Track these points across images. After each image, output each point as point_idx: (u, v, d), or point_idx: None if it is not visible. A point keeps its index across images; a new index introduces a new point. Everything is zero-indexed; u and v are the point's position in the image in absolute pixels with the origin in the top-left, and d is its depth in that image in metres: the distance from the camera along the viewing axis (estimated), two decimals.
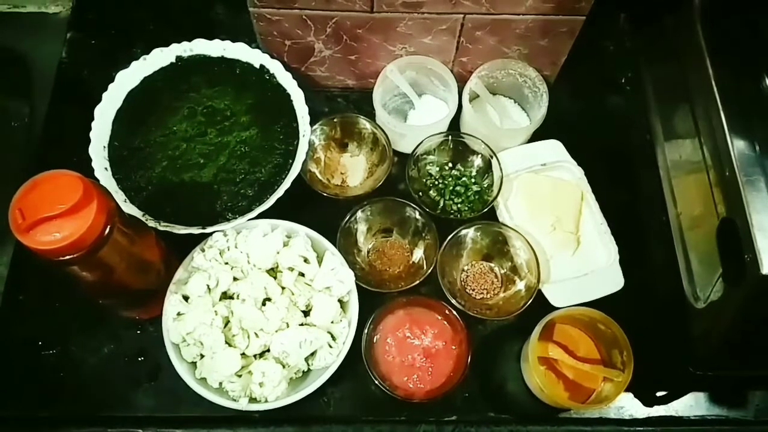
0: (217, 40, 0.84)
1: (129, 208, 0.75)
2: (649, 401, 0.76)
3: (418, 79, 0.86)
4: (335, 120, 0.83)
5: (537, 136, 0.84)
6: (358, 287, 0.73)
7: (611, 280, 0.77)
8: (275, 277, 0.72)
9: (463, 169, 0.84)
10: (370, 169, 0.84)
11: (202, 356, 0.69)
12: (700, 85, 0.72)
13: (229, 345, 0.68)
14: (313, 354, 0.70)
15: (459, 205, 0.82)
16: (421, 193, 0.81)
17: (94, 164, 0.76)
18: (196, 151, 0.78)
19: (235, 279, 0.71)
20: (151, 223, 0.73)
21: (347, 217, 0.77)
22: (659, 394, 0.76)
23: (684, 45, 0.76)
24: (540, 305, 0.75)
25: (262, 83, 0.83)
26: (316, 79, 0.89)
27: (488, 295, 0.79)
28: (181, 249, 0.73)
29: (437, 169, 0.84)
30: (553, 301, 0.76)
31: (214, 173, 0.77)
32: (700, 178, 0.73)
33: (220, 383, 0.68)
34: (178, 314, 0.69)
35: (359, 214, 0.78)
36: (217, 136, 0.79)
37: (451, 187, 0.82)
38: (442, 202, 0.82)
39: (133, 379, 0.74)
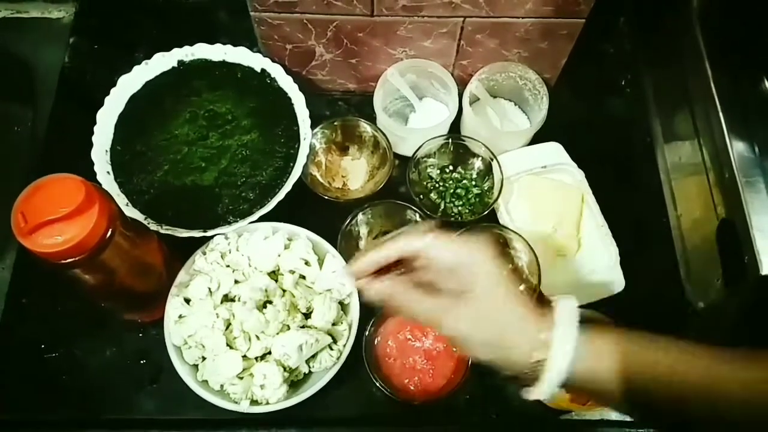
0: (218, 45, 0.84)
1: (131, 212, 0.75)
2: None
3: (418, 82, 0.86)
4: (336, 123, 0.84)
5: (537, 138, 0.84)
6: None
7: (612, 281, 0.77)
8: (276, 280, 0.72)
9: (463, 172, 0.84)
10: (371, 172, 0.85)
11: (203, 359, 0.69)
12: (700, 87, 0.72)
13: (231, 347, 0.68)
14: (314, 356, 0.70)
15: (460, 208, 0.82)
16: (421, 196, 0.82)
17: (96, 168, 0.76)
18: (198, 154, 0.79)
19: (236, 282, 0.72)
20: (153, 227, 0.73)
21: (348, 220, 0.77)
22: None
23: (683, 47, 0.77)
24: None
25: (263, 87, 0.83)
26: (317, 83, 0.89)
27: None
28: (182, 252, 0.73)
29: (438, 171, 0.84)
30: None
31: (216, 177, 0.78)
32: (699, 180, 0.73)
33: (222, 386, 0.68)
34: (180, 317, 0.70)
35: (360, 216, 0.78)
36: (219, 140, 0.80)
37: (451, 190, 0.83)
38: (442, 205, 0.82)
39: (135, 381, 0.74)
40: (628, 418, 0.75)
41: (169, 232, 0.73)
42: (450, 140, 0.83)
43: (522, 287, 0.50)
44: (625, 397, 0.46)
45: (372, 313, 0.72)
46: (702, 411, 0.45)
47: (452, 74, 0.84)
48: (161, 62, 0.83)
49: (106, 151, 0.79)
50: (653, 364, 0.46)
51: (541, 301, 0.50)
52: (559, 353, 0.46)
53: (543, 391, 0.47)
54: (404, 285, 0.52)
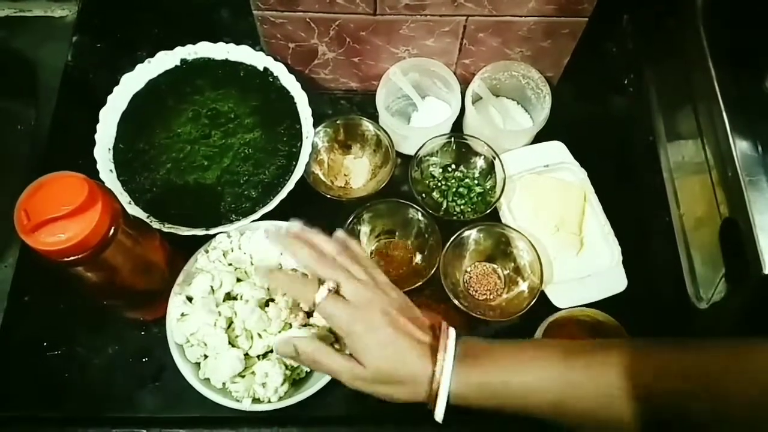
0: (221, 43, 0.84)
1: (134, 210, 0.75)
2: None
3: (421, 81, 0.86)
4: (338, 122, 0.84)
5: (540, 137, 0.84)
6: None
7: (614, 280, 0.77)
8: None
9: (465, 171, 0.84)
10: (373, 171, 0.85)
11: (205, 357, 0.69)
12: (703, 86, 0.72)
13: (233, 346, 0.69)
14: None
15: (462, 207, 0.82)
16: (424, 195, 0.82)
17: (99, 166, 0.76)
18: (201, 153, 0.79)
19: (238, 280, 0.72)
20: (156, 225, 0.73)
21: (350, 219, 0.77)
22: None
23: (686, 46, 0.76)
24: (543, 306, 0.75)
25: (265, 86, 0.83)
26: (319, 82, 0.89)
27: (491, 296, 0.79)
28: (185, 250, 0.73)
29: (440, 170, 0.84)
30: (556, 302, 0.76)
31: (218, 175, 0.78)
32: (703, 179, 0.73)
33: (224, 384, 0.68)
34: (182, 315, 0.70)
35: (362, 215, 0.78)
36: (221, 138, 0.80)
37: (453, 189, 0.83)
38: (444, 204, 0.82)
39: (137, 379, 0.74)
40: None
41: (171, 231, 0.73)
42: (452, 139, 0.83)
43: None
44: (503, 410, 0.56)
45: None
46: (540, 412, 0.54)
47: (455, 73, 0.84)
48: (164, 61, 0.83)
49: (109, 149, 0.79)
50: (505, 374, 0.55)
51: (435, 335, 0.58)
52: (443, 389, 0.55)
53: (439, 415, 0.56)
54: (317, 342, 0.61)
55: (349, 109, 0.91)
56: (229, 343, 0.68)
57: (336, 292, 0.59)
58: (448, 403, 0.55)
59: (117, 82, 0.81)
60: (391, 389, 0.57)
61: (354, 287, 0.59)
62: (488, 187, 0.82)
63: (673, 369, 0.50)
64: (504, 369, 0.54)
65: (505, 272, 0.80)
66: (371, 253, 0.81)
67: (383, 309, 0.58)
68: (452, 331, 0.58)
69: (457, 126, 0.86)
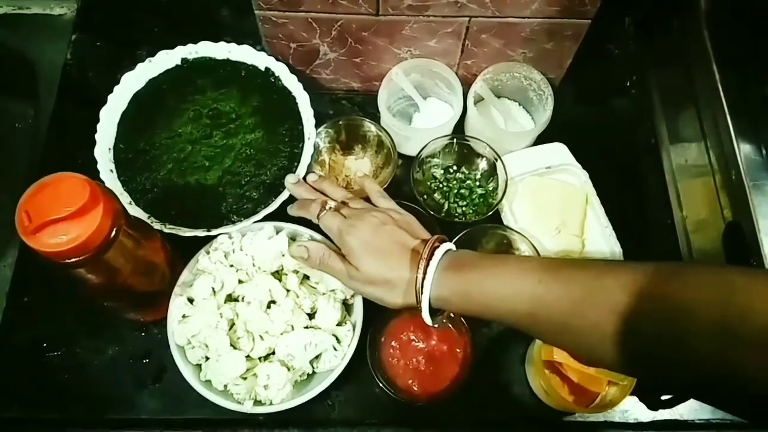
0: (222, 43, 0.84)
1: (134, 210, 0.75)
2: (653, 405, 0.76)
3: (423, 81, 0.86)
4: (340, 123, 0.83)
5: (542, 139, 0.84)
6: None
7: None
8: (280, 280, 0.72)
9: (467, 172, 0.84)
10: (375, 172, 0.84)
11: (207, 358, 0.69)
12: (707, 89, 0.72)
13: (234, 347, 0.68)
14: (317, 357, 0.70)
15: (464, 208, 0.82)
16: (425, 196, 0.81)
17: (99, 166, 0.76)
18: (202, 153, 0.78)
19: (240, 281, 0.71)
20: (157, 226, 0.73)
21: None
22: (664, 397, 0.76)
23: (690, 48, 0.77)
24: None
25: (267, 86, 0.83)
26: (321, 82, 0.89)
27: None
28: (186, 251, 0.73)
29: (442, 171, 0.84)
30: None
31: (220, 176, 0.77)
32: (706, 182, 0.73)
33: (225, 386, 0.68)
34: (183, 316, 0.69)
35: None
36: (223, 139, 0.79)
37: (455, 190, 0.82)
38: (446, 205, 0.82)
39: (137, 381, 0.74)
40: (630, 420, 0.75)
41: (172, 231, 0.73)
42: (454, 140, 0.82)
43: (408, 242, 0.63)
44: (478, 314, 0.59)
45: (376, 314, 0.72)
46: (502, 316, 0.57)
47: (457, 74, 0.84)
48: (165, 60, 0.83)
49: (109, 149, 0.79)
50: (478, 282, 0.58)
51: (426, 242, 0.62)
52: (426, 293, 0.59)
53: (425, 316, 0.60)
54: (327, 249, 0.66)
55: (350, 110, 0.91)
56: (231, 344, 0.68)
57: (336, 210, 0.67)
58: (431, 305, 0.59)
59: (116, 82, 0.81)
60: (382, 291, 0.62)
61: (351, 205, 0.69)
62: (490, 188, 0.82)
63: (639, 285, 0.48)
64: (484, 278, 0.57)
65: None
66: None
67: (376, 221, 0.64)
68: (446, 243, 0.62)
69: (459, 127, 0.85)
